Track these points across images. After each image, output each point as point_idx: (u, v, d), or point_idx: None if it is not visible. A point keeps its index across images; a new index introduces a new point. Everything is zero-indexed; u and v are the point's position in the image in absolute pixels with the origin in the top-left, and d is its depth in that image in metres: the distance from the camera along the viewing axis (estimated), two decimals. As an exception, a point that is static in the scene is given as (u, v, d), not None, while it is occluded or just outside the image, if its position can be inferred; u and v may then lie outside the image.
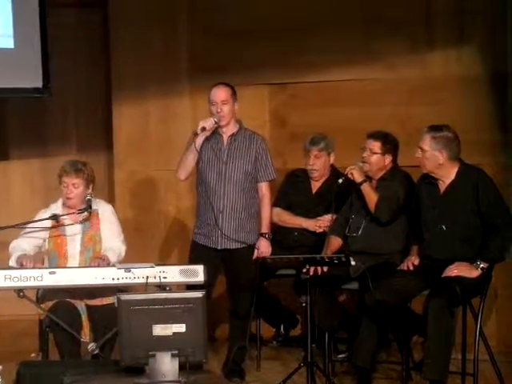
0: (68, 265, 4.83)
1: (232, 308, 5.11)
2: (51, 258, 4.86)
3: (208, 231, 5.06)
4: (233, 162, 5.05)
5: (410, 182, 5.15)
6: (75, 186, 4.91)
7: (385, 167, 5.19)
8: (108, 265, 4.75)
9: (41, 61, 6.08)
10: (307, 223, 5.54)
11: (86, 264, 4.81)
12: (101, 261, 4.77)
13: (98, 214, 4.93)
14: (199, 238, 5.10)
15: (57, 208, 4.94)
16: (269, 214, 5.15)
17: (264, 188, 5.14)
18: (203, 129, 4.96)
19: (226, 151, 5.06)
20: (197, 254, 5.05)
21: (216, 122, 5.00)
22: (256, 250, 5.10)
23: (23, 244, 4.86)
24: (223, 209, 5.02)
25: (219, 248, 5.04)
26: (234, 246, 5.06)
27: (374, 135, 5.19)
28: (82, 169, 4.95)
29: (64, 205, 4.93)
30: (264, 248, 5.10)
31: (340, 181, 5.17)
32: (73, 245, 4.87)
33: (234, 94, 5.08)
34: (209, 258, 4.92)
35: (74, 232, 4.90)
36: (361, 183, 5.11)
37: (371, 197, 5.09)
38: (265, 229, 5.12)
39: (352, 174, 5.12)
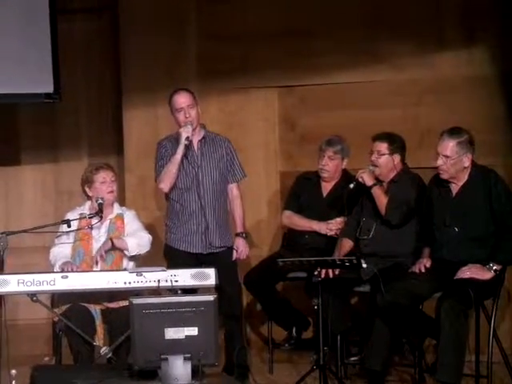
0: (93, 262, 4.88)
1: (224, 311, 5.09)
2: (78, 254, 4.90)
3: (189, 236, 5.05)
4: (207, 165, 5.07)
5: (420, 184, 5.14)
6: (113, 180, 4.98)
7: (395, 167, 5.19)
8: (124, 247, 4.83)
9: (51, 66, 6.10)
10: (318, 226, 5.54)
11: (108, 263, 4.87)
12: (117, 240, 4.82)
13: (122, 218, 4.99)
14: (178, 244, 5.08)
15: (83, 210, 4.98)
16: (242, 213, 5.17)
17: (235, 189, 5.17)
18: (187, 138, 4.98)
19: (199, 155, 5.07)
20: (176, 259, 5.02)
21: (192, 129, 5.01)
22: (235, 251, 5.10)
23: (65, 250, 4.91)
24: (204, 213, 5.03)
25: (205, 253, 5.05)
26: (217, 249, 5.08)
27: (379, 137, 5.20)
28: (112, 166, 5.07)
29: (100, 203, 4.88)
30: (243, 247, 5.12)
31: (351, 186, 5.17)
32: (98, 244, 4.92)
33: (195, 97, 5.10)
34: (190, 262, 4.92)
35: (99, 233, 4.95)
36: (371, 186, 5.12)
37: (382, 200, 5.08)
38: (240, 228, 5.15)
39: (362, 177, 5.13)
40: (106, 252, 4.86)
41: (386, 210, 5.07)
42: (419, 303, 4.89)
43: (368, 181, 5.13)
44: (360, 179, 5.14)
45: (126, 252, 4.89)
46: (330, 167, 5.57)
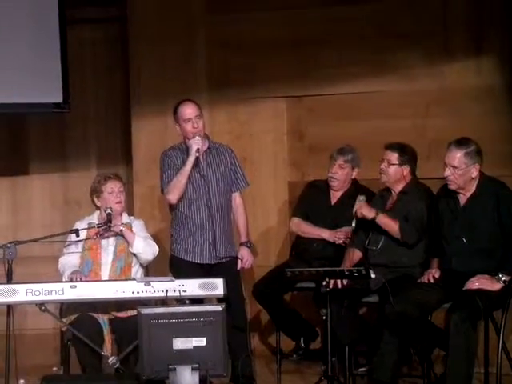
0: (101, 271, 4.91)
1: (229, 321, 5.06)
2: (86, 263, 4.92)
3: (196, 247, 5.05)
4: (213, 175, 5.09)
5: (430, 196, 5.13)
6: (121, 190, 4.99)
7: (403, 178, 5.19)
8: (130, 241, 4.86)
9: (61, 76, 6.13)
10: (326, 234, 5.53)
11: (116, 272, 4.89)
12: (127, 231, 4.87)
13: (131, 227, 5.00)
14: (185, 254, 5.07)
15: (92, 219, 5.00)
16: (246, 222, 5.19)
17: (238, 198, 5.19)
18: (198, 150, 5.00)
19: (205, 166, 5.09)
20: (183, 270, 5.01)
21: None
22: (239, 261, 5.11)
23: (73, 260, 4.93)
24: (213, 223, 5.04)
25: (213, 263, 5.05)
26: (224, 259, 5.09)
27: (391, 146, 5.20)
28: (120, 176, 5.08)
29: (109, 213, 4.88)
30: (248, 257, 5.13)
31: (353, 225, 5.05)
32: (106, 253, 4.94)
33: (200, 108, 5.14)
34: (196, 273, 4.93)
35: (108, 242, 4.96)
36: (374, 218, 5.07)
37: (391, 226, 5.05)
38: (244, 237, 5.16)
39: (362, 213, 5.07)
40: (110, 235, 4.88)
41: (400, 233, 5.04)
42: (428, 314, 4.87)
43: (368, 213, 5.07)
44: (360, 215, 5.09)
45: (130, 248, 4.91)
46: (339, 176, 5.56)
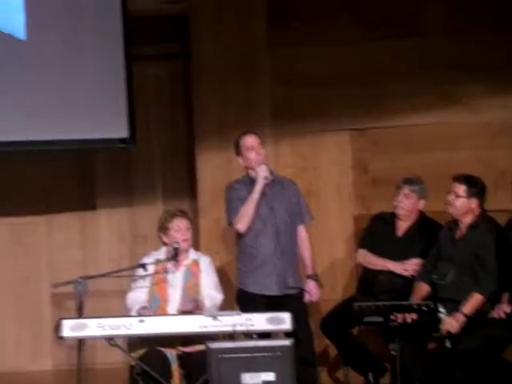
0: (169, 308, 4.92)
1: (297, 356, 5.03)
2: (154, 300, 4.95)
3: (264, 279, 5.06)
4: (279, 207, 5.11)
5: (499, 229, 5.05)
6: (188, 228, 5.02)
7: (471, 211, 5.13)
8: (201, 310, 4.82)
9: (127, 112, 6.23)
10: (394, 266, 5.47)
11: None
12: (195, 304, 4.84)
13: (198, 264, 5.02)
14: (252, 287, 5.09)
15: (159, 255, 5.04)
16: (312, 255, 5.21)
17: (303, 231, 5.22)
18: (266, 178, 5.02)
19: (270, 196, 5.10)
20: (250, 303, 5.02)
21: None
22: (306, 294, 5.10)
23: (141, 295, 4.97)
24: (280, 254, 5.05)
25: (281, 295, 5.04)
26: (292, 291, 5.08)
27: (459, 178, 5.16)
28: (187, 213, 5.12)
29: (176, 247, 4.91)
30: (315, 290, 5.14)
31: (448, 345, 4.90)
32: (175, 290, 4.97)
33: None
34: (264, 306, 4.94)
35: (176, 279, 4.98)
36: (465, 319, 4.87)
37: (476, 302, 4.92)
38: (311, 270, 5.17)
39: (451, 330, 4.85)
40: (184, 311, 4.88)
41: (484, 296, 4.92)
42: (500, 350, 4.78)
43: (457, 326, 4.85)
44: (455, 332, 4.84)
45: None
46: (405, 205, 5.51)
